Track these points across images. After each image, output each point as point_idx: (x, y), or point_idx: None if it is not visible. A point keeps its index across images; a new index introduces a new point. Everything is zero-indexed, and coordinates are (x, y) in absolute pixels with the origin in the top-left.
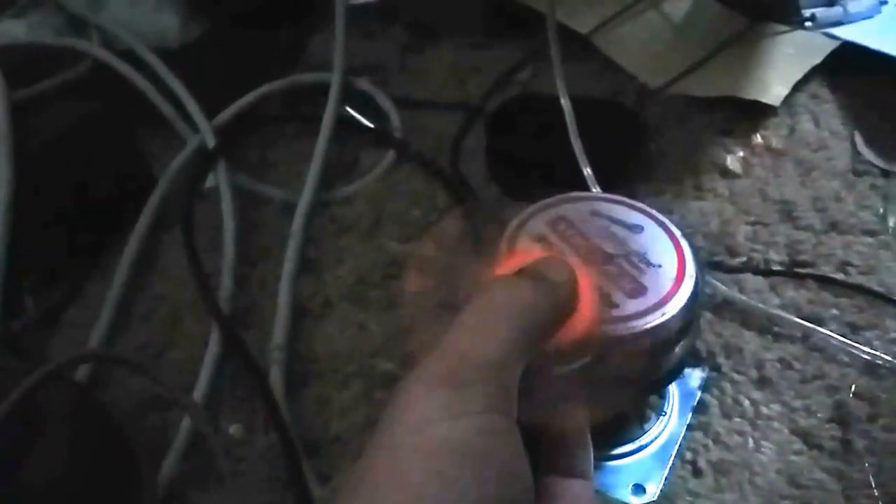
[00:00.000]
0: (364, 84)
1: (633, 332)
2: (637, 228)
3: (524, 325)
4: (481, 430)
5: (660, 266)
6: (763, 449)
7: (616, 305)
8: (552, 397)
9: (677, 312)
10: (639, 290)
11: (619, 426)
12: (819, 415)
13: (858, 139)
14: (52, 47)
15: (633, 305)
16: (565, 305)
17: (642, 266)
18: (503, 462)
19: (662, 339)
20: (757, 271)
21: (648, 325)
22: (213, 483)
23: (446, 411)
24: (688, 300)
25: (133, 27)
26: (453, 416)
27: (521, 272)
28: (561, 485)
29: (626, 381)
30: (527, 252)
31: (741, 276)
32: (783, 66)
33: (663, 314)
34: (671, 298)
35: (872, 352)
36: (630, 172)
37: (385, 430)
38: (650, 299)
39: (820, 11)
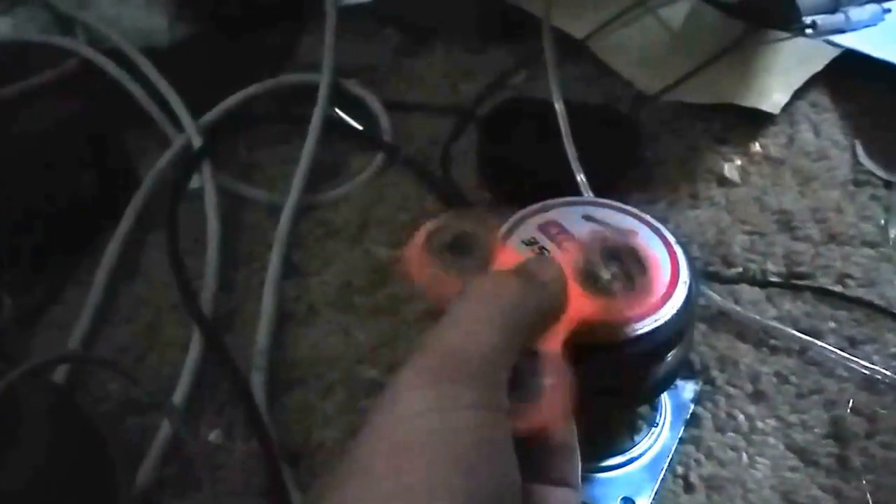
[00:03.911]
0: (354, 86)
1: (624, 337)
2: (630, 234)
3: (513, 321)
4: (471, 425)
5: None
6: (757, 465)
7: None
8: (540, 403)
9: (670, 319)
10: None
11: (609, 436)
12: (816, 430)
13: (859, 149)
14: (37, 44)
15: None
16: (554, 304)
17: (635, 271)
18: (492, 457)
19: (654, 346)
20: (753, 282)
21: (640, 332)
22: (190, 490)
23: (436, 405)
24: (681, 307)
25: (120, 26)
26: (443, 410)
27: (510, 270)
28: (547, 492)
29: (617, 388)
30: (517, 255)
31: (737, 286)
32: (783, 73)
33: (655, 320)
34: (663, 305)
35: (871, 366)
36: (625, 179)
37: (373, 423)
38: (642, 305)
39: (821, 18)
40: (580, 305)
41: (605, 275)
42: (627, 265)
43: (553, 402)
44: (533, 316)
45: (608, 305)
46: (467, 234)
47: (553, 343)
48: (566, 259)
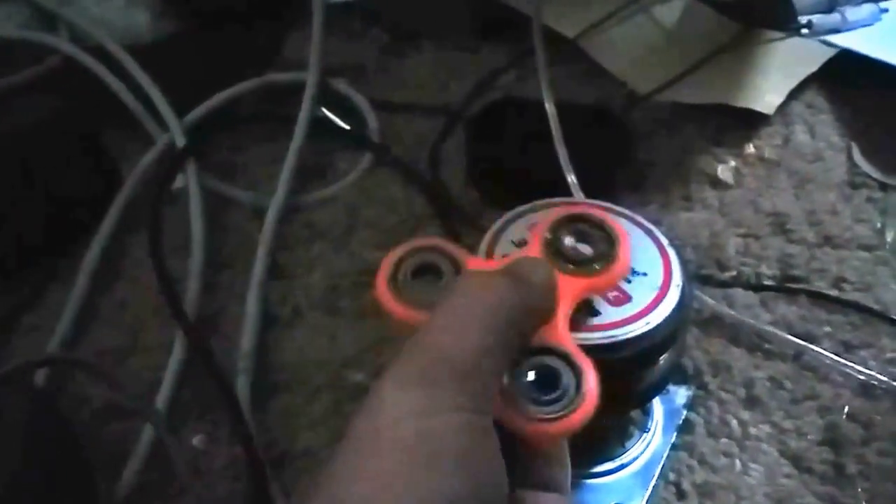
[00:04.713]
0: (341, 85)
1: (615, 341)
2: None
3: (500, 323)
4: (456, 429)
5: (645, 274)
6: (751, 471)
7: (598, 313)
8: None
9: (662, 322)
10: (622, 299)
11: (600, 442)
12: (810, 437)
13: (855, 150)
14: (18, 41)
15: (615, 314)
16: (544, 306)
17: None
18: (477, 462)
19: (646, 349)
20: (747, 286)
21: (631, 335)
22: (173, 496)
23: (420, 409)
24: (673, 310)
25: (103, 22)
26: (427, 413)
27: (497, 270)
28: (535, 498)
29: (608, 393)
30: (506, 256)
31: (731, 290)
32: (778, 73)
33: (647, 324)
34: (655, 308)
35: (867, 372)
36: (616, 181)
37: (358, 426)
38: (633, 308)
39: (817, 18)
40: (567, 287)
41: (578, 251)
42: (594, 239)
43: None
44: (521, 317)
45: (599, 310)
46: (434, 260)
47: (563, 337)
48: (535, 241)
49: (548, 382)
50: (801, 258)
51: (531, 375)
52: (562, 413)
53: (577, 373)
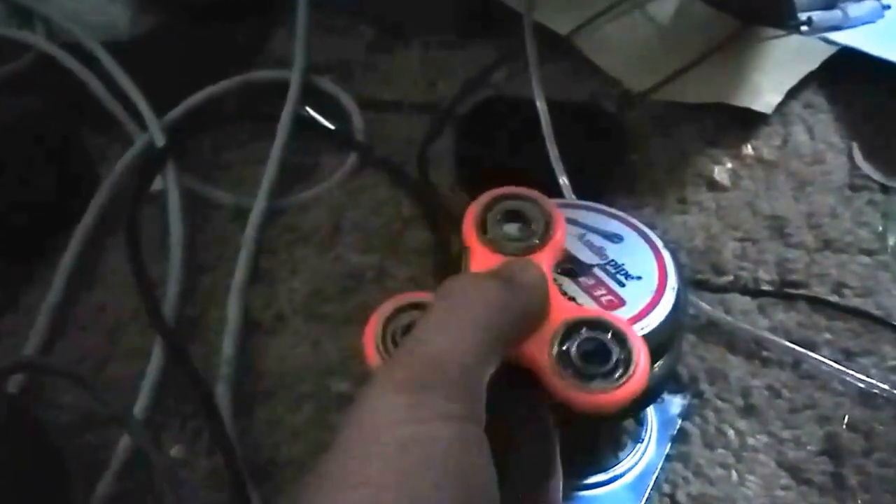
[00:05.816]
0: (326, 83)
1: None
2: (616, 238)
3: (491, 326)
4: (446, 437)
5: (639, 278)
6: (748, 483)
7: None
8: (519, 415)
9: (657, 327)
10: (616, 303)
11: (592, 453)
12: (809, 447)
13: (856, 152)
14: None
15: None
16: (536, 309)
17: (620, 277)
18: (468, 472)
19: None
20: (745, 291)
21: None
22: None
23: (409, 415)
24: (668, 314)
25: (80, 18)
26: (416, 420)
27: (488, 273)
28: None
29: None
30: (497, 256)
31: (727, 296)
32: (776, 72)
33: (641, 328)
34: (650, 312)
35: (868, 380)
36: (610, 182)
37: (344, 434)
38: (627, 312)
39: (817, 15)
40: (562, 306)
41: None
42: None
43: (532, 417)
44: (512, 321)
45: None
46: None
47: (541, 352)
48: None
49: (594, 354)
50: (800, 263)
51: (579, 349)
52: (620, 381)
53: (621, 340)
